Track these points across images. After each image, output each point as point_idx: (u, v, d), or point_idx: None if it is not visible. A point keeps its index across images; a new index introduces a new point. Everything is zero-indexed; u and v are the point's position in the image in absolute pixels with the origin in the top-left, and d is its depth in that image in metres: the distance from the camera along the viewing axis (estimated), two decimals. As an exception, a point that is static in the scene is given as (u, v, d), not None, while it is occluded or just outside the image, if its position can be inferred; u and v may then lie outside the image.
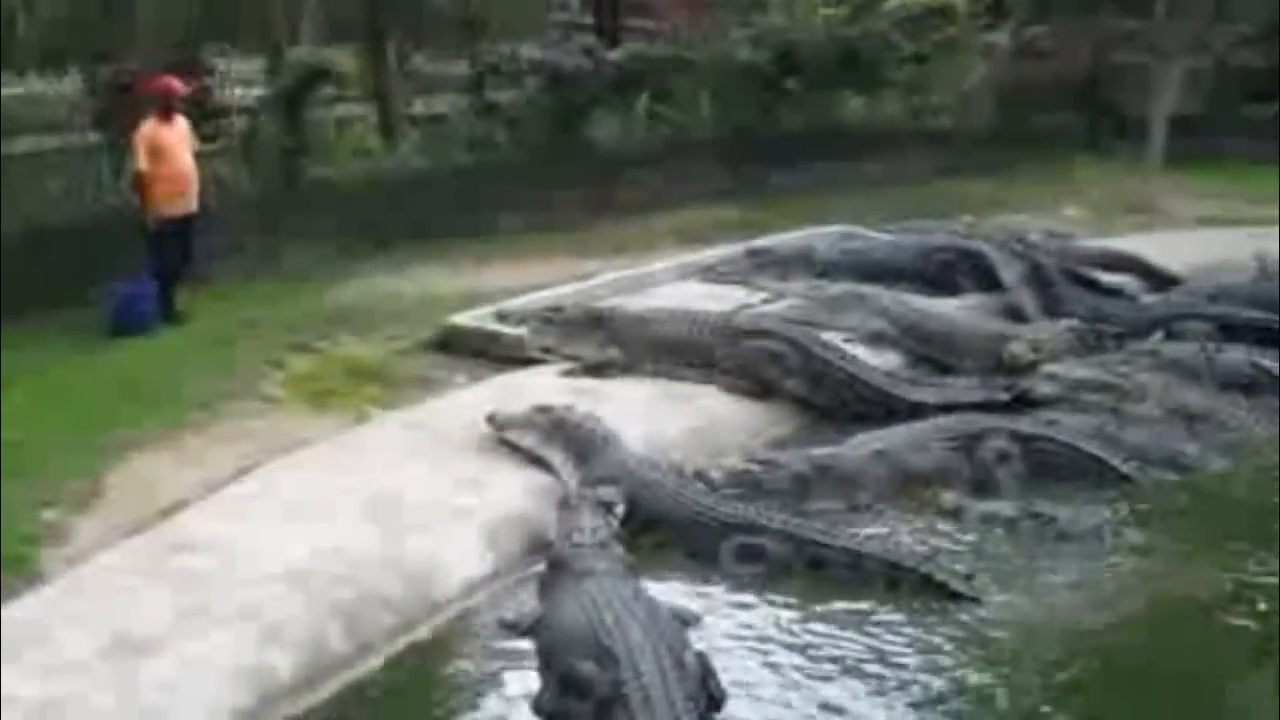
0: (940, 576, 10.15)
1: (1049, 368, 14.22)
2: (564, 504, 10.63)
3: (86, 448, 11.75)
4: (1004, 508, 11.53)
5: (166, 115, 15.66)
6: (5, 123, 17.69)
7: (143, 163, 15.49)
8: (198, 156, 16.14)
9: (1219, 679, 9.27)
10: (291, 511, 10.60)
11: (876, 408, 13.41)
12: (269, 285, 16.77)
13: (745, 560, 10.44)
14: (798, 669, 9.19)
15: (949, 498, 11.70)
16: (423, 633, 9.58)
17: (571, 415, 11.83)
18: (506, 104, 22.33)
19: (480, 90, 22.64)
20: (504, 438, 11.98)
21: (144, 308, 15.33)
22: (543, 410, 11.92)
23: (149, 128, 15.59)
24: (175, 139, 15.71)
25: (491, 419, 12.07)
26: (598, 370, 13.99)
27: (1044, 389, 13.80)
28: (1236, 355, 14.73)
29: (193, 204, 15.89)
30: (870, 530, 11.06)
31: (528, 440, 11.85)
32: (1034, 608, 10.03)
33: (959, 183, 23.94)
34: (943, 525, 11.34)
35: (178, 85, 15.90)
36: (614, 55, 22.85)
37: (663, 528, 10.82)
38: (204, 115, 19.15)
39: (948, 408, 13.13)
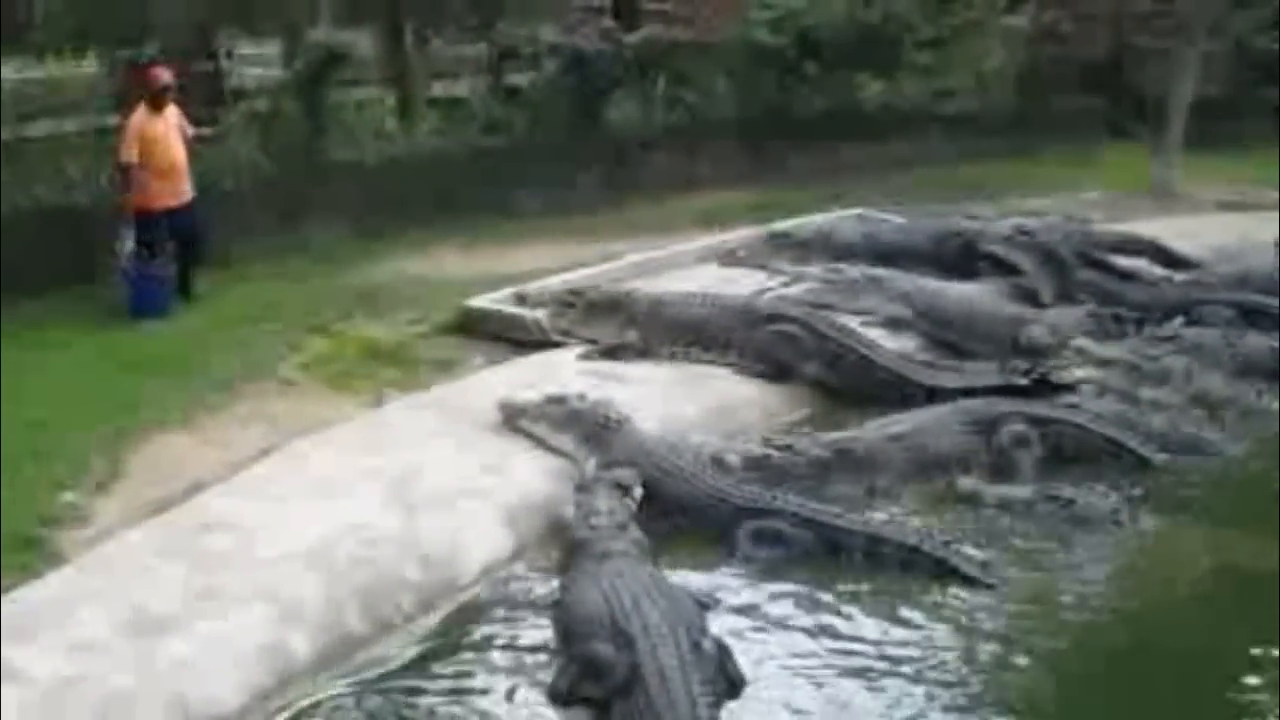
0: (955, 562, 10.16)
1: (1077, 342, 14.25)
2: (581, 487, 10.65)
3: (106, 428, 11.77)
4: (1020, 491, 11.52)
5: (156, 105, 15.44)
6: (24, 105, 17.72)
7: (133, 155, 15.29)
8: (205, 139, 16.06)
9: (1230, 663, 9.26)
10: (311, 492, 10.63)
11: (894, 391, 13.39)
12: (287, 267, 16.77)
13: (762, 544, 10.46)
14: (813, 653, 9.21)
15: (965, 482, 11.70)
16: (441, 614, 9.60)
17: (583, 404, 11.80)
18: (525, 87, 22.31)
19: (499, 73, 22.63)
20: (517, 426, 11.99)
21: (163, 289, 15.34)
22: (555, 400, 11.90)
23: (139, 118, 15.41)
24: (164, 129, 15.50)
25: (504, 407, 12.07)
26: (616, 353, 13.99)
27: (1070, 366, 13.81)
28: (1258, 340, 14.71)
29: (185, 193, 15.70)
30: (887, 514, 11.08)
31: (540, 428, 11.86)
32: (1049, 590, 10.06)
33: (978, 166, 23.89)
34: (959, 509, 11.36)
35: (165, 75, 15.59)
36: (633, 38, 22.79)
37: (680, 511, 10.84)
38: (219, 98, 19.22)
39: (966, 392, 13.10)
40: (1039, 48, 27.71)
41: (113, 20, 18.64)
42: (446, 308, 15.23)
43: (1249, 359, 14.44)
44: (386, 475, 10.93)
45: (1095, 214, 20.57)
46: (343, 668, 8.86)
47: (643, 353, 14.03)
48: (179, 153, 15.66)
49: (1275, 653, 9.22)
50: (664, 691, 7.89)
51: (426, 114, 21.37)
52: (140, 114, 15.46)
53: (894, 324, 15.13)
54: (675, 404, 12.88)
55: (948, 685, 8.85)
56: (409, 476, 10.93)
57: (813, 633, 9.45)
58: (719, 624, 9.22)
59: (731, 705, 8.41)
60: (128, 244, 15.24)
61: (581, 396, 11.93)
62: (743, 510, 10.65)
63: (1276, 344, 14.65)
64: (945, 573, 10.12)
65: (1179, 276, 17.49)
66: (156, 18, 18.47)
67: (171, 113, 15.70)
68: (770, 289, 16.12)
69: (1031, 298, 16.28)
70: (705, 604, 9.42)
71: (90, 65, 19.24)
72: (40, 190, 16.33)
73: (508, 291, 15.31)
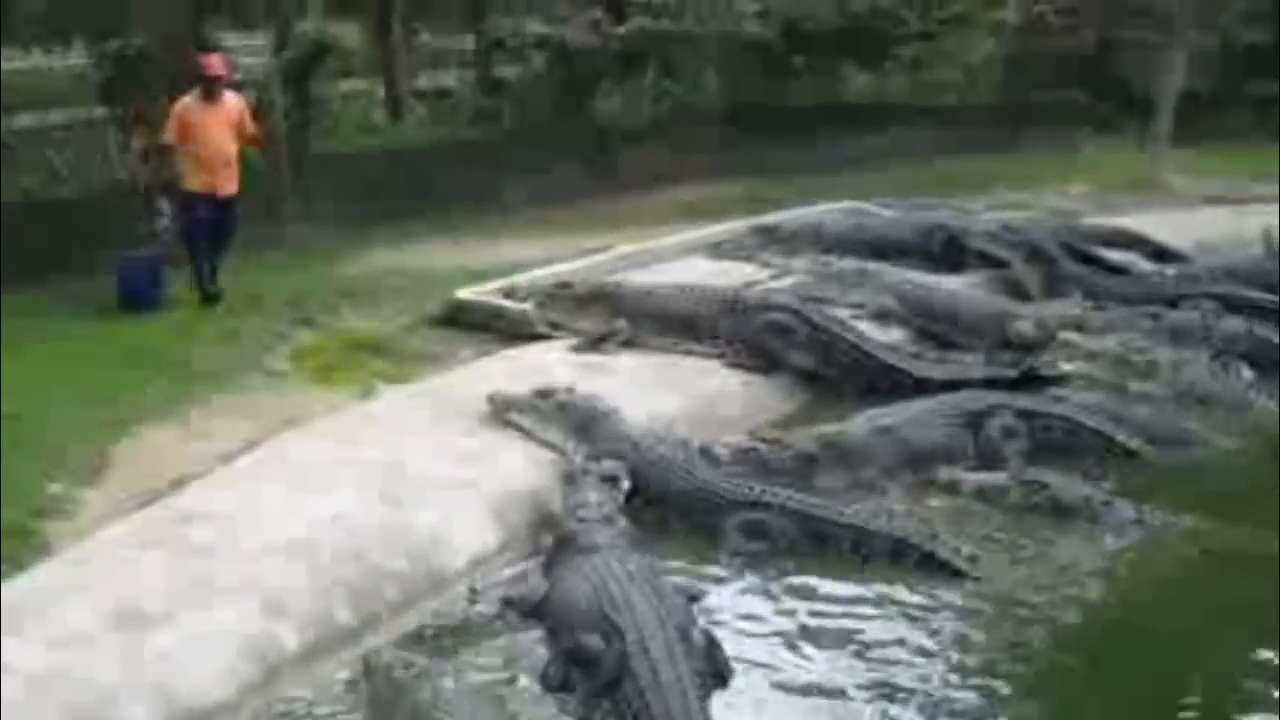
0: (943, 554, 10.17)
1: (1065, 335, 14.29)
2: (569, 479, 10.64)
3: (92, 420, 11.75)
4: (997, 478, 11.52)
5: (208, 94, 15.34)
6: (10, 97, 17.66)
7: (170, 136, 15.29)
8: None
9: (1203, 652, 9.34)
10: (297, 485, 10.60)
11: (883, 384, 13.42)
12: (274, 260, 16.76)
13: (749, 536, 10.45)
14: (800, 644, 9.21)
15: (945, 471, 11.71)
16: (428, 607, 9.58)
17: (571, 397, 11.79)
18: (512, 79, 22.32)
19: (486, 65, 22.64)
20: (506, 418, 11.98)
21: (151, 281, 15.30)
22: (543, 393, 11.89)
23: (184, 104, 15.32)
24: (212, 120, 15.35)
25: (492, 400, 12.07)
26: (604, 345, 13.99)
27: (1059, 359, 13.87)
28: (1236, 322, 14.77)
29: (225, 186, 15.49)
30: (874, 506, 11.08)
31: (529, 421, 11.85)
32: (1031, 579, 10.14)
33: (965, 159, 23.91)
34: (945, 501, 11.39)
35: (217, 63, 15.56)
36: (620, 30, 22.80)
37: (667, 503, 10.84)
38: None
39: (954, 384, 13.12)
40: (1026, 41, 27.74)
41: (99, 11, 18.59)
42: (434, 300, 15.23)
43: (1226, 340, 14.50)
44: (374, 468, 10.91)
45: (1081, 207, 20.62)
46: (330, 660, 8.85)
47: (631, 345, 14.04)
48: (223, 144, 15.45)
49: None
50: (653, 683, 7.88)
51: (414, 106, 21.37)
52: (189, 99, 15.36)
53: (883, 316, 15.15)
54: (664, 396, 12.87)
55: (936, 674, 8.87)
56: (397, 468, 10.92)
57: (800, 624, 9.44)
58: (706, 616, 9.22)
59: (720, 696, 8.42)
60: (163, 222, 15.20)
61: (570, 389, 11.92)
62: (730, 503, 10.64)
63: (1253, 328, 14.75)
64: (933, 565, 10.13)
65: (1167, 270, 17.53)
66: (145, 7, 18.41)
67: (230, 104, 15.63)
68: (758, 281, 16.12)
69: (1019, 291, 16.32)
70: (693, 596, 9.42)
71: (77, 57, 19.20)
72: (27, 182, 16.29)
73: (495, 284, 15.30)
